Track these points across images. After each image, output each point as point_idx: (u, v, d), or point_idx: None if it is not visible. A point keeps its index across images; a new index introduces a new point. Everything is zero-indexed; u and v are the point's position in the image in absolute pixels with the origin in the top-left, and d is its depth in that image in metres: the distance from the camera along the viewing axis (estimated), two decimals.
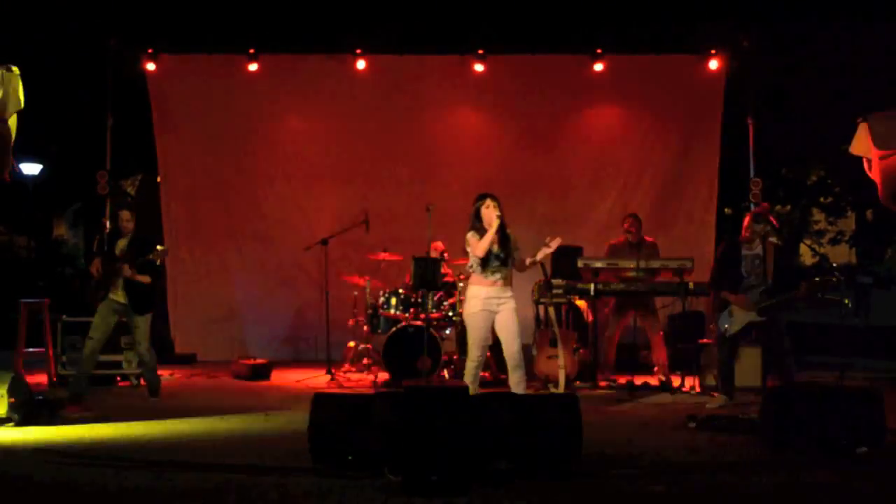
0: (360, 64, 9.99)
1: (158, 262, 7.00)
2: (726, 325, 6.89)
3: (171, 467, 4.76)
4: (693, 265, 7.89)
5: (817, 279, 6.64)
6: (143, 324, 7.02)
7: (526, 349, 9.05)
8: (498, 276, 6.14)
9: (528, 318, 8.81)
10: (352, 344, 9.00)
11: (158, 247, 6.89)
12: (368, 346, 8.77)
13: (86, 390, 6.90)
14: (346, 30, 9.81)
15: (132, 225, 7.04)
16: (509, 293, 6.20)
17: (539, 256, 6.27)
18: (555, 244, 6.08)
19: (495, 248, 6.11)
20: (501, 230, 6.12)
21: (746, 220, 7.03)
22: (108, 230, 8.03)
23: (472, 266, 6.25)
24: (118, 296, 6.91)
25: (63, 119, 11.63)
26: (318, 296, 9.17)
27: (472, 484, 4.29)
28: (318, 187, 10.38)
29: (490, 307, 6.13)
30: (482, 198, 6.21)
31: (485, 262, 6.13)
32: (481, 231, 6.13)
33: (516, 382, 6.12)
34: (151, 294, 7.13)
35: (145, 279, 6.90)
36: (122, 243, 7.01)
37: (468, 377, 6.17)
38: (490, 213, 6.11)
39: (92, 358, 6.95)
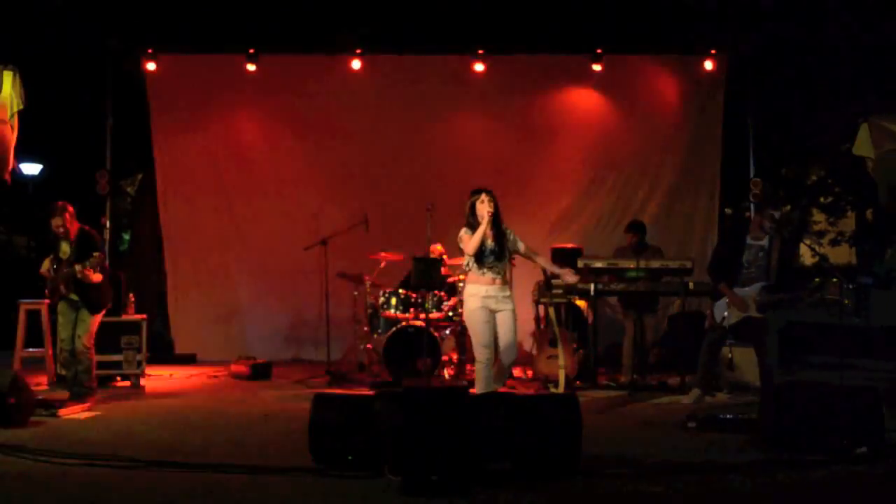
0: (359, 64, 9.99)
1: (95, 271, 6.73)
2: (725, 315, 6.85)
3: (171, 467, 4.77)
4: (693, 266, 7.88)
5: (817, 281, 6.64)
6: (89, 318, 6.91)
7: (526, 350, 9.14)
8: (494, 272, 5.94)
9: (528, 318, 8.84)
10: (352, 344, 8.99)
11: (95, 253, 6.70)
12: (369, 346, 8.76)
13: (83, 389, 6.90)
14: (345, 30, 9.78)
15: (72, 227, 6.86)
16: (508, 292, 6.00)
17: (552, 270, 6.31)
18: (571, 279, 6.20)
19: (489, 243, 5.92)
20: (496, 225, 5.93)
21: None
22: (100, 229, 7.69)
23: (467, 264, 6.03)
24: (71, 295, 6.88)
25: (63, 119, 11.60)
26: (318, 296, 9.16)
27: (473, 484, 4.30)
28: (317, 187, 10.36)
29: (489, 305, 5.90)
30: (476, 193, 5.99)
31: (479, 259, 5.93)
32: (474, 227, 5.91)
33: (496, 378, 5.97)
34: (104, 294, 7.01)
35: (97, 278, 6.78)
36: (64, 247, 6.91)
37: (478, 380, 5.87)
38: (483, 209, 5.90)
39: (71, 358, 6.96)
